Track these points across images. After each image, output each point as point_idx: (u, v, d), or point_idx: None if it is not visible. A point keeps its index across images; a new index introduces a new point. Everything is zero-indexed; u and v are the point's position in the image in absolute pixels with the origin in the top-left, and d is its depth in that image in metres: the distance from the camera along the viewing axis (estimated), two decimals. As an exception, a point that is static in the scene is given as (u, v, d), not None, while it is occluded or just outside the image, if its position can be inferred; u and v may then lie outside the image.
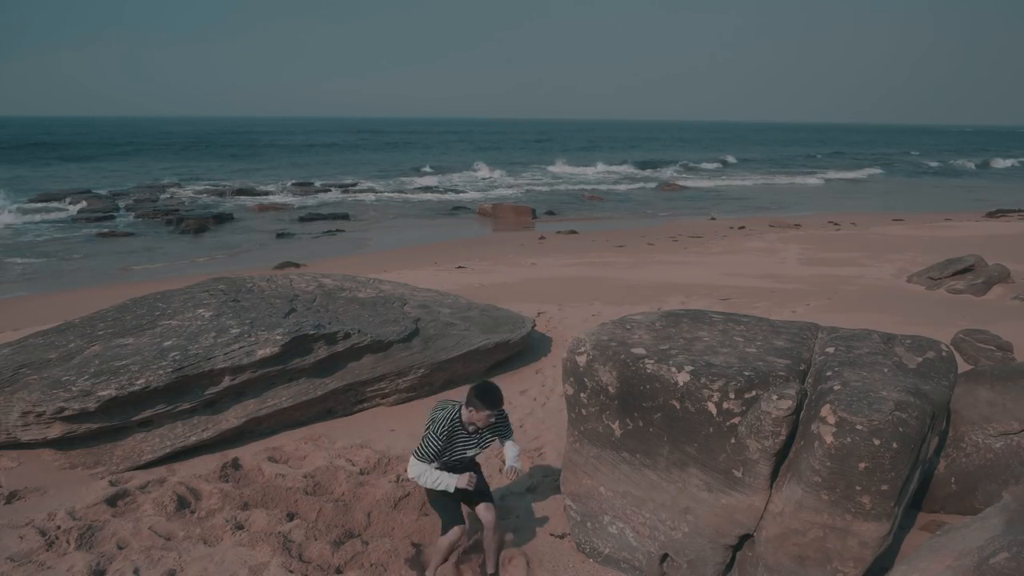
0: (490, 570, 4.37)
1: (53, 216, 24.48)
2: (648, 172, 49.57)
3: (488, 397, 4.11)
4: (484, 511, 4.31)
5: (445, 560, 4.26)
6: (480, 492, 4.33)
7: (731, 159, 59.89)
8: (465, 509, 4.33)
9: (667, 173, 48.54)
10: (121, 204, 27.52)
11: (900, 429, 3.48)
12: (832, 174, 48.38)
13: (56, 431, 5.56)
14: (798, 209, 28.82)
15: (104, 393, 5.55)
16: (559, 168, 49.90)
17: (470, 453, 4.27)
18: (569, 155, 60.50)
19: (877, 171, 52.17)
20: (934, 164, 61.19)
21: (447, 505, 4.22)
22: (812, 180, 44.82)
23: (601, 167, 51.34)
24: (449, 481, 4.11)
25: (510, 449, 4.34)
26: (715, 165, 55.78)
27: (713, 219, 26.05)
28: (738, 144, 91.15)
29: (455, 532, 4.12)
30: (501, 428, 4.36)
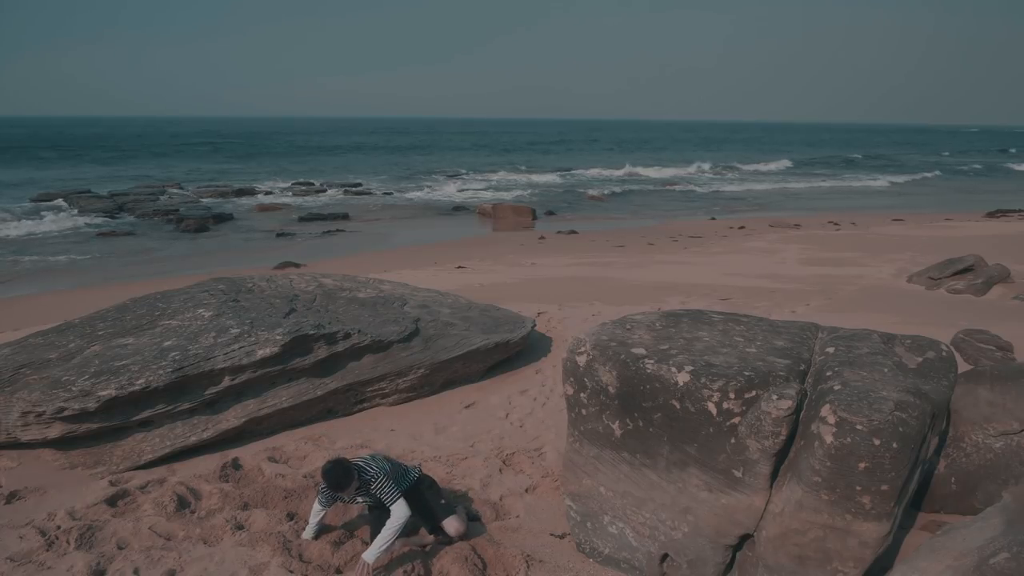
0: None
1: (53, 216, 24.49)
2: (704, 175, 48.75)
3: (327, 478, 4.31)
4: (448, 525, 4.62)
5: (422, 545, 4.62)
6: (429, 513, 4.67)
7: (787, 162, 59.27)
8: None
9: (728, 178, 47.05)
10: (121, 204, 27.52)
11: (900, 429, 3.48)
12: (894, 178, 47.03)
13: (56, 431, 5.56)
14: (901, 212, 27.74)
15: (104, 393, 5.55)
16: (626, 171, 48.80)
17: (355, 506, 4.77)
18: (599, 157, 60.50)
19: (936, 173, 51.36)
20: (977, 165, 60.90)
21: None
22: (878, 183, 43.69)
23: (666, 170, 49.90)
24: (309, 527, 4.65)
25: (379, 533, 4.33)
26: (764, 168, 55.13)
27: (713, 219, 26.07)
28: (759, 145, 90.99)
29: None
30: (368, 494, 4.46)
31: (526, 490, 5.45)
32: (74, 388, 5.58)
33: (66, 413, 5.48)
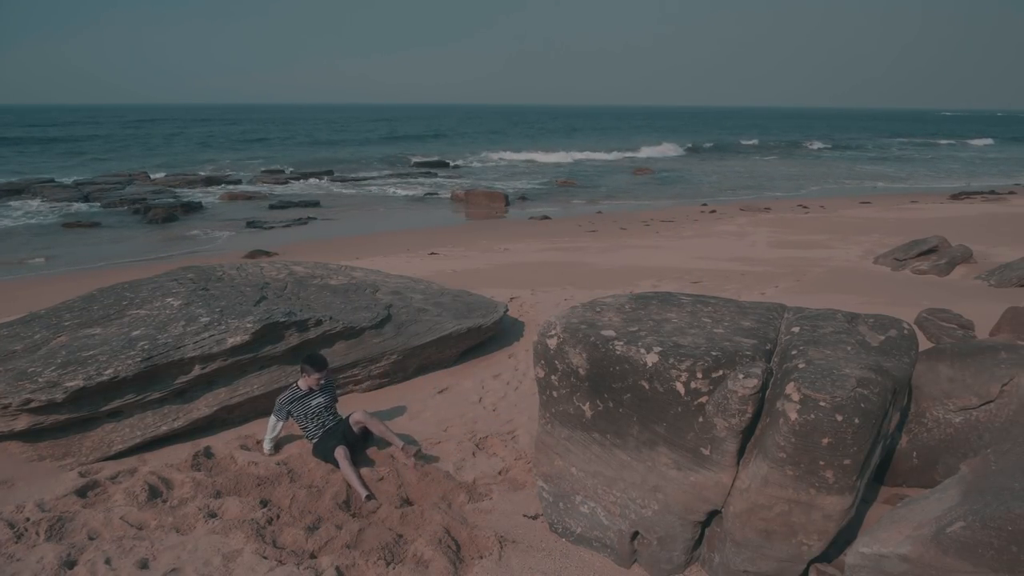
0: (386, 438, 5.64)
1: (15, 207, 23.96)
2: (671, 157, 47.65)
3: (313, 360, 5.72)
4: (355, 420, 5.68)
5: (355, 475, 5.25)
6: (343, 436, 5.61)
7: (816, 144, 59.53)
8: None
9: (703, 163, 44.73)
10: (87, 193, 27.00)
11: (862, 405, 3.56)
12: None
13: (23, 423, 5.49)
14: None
15: (72, 384, 5.49)
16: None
17: (313, 403, 5.73)
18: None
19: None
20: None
21: (326, 447, 5.53)
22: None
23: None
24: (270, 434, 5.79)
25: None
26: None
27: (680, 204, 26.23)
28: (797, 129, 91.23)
29: (340, 451, 5.36)
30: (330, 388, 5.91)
31: (499, 472, 5.50)
32: (40, 379, 5.51)
33: (33, 405, 5.41)
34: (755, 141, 67.74)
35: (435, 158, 46.44)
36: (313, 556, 4.37)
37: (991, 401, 4.66)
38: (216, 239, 19.27)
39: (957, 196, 26.37)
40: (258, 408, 6.46)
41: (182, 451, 5.78)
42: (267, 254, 15.82)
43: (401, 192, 30.38)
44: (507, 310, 8.87)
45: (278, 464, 5.51)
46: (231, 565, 4.23)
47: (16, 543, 4.43)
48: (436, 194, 29.35)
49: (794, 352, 4.07)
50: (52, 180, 30.51)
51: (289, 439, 6.03)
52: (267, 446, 5.79)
